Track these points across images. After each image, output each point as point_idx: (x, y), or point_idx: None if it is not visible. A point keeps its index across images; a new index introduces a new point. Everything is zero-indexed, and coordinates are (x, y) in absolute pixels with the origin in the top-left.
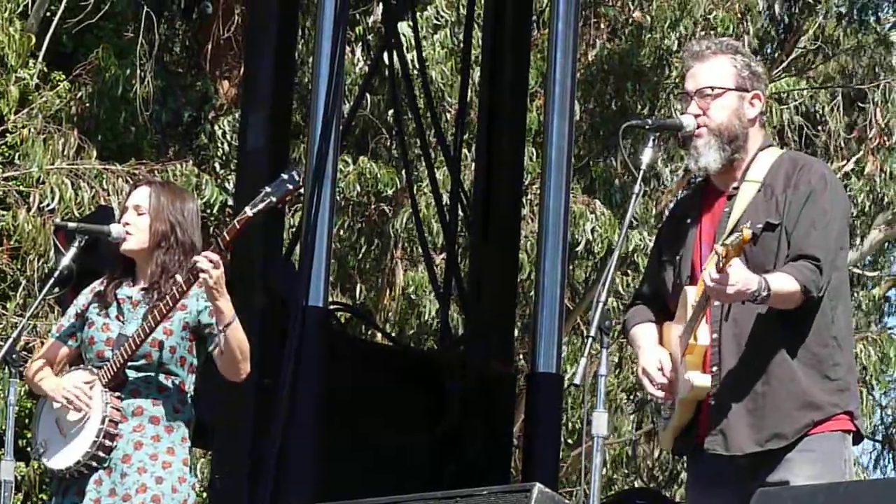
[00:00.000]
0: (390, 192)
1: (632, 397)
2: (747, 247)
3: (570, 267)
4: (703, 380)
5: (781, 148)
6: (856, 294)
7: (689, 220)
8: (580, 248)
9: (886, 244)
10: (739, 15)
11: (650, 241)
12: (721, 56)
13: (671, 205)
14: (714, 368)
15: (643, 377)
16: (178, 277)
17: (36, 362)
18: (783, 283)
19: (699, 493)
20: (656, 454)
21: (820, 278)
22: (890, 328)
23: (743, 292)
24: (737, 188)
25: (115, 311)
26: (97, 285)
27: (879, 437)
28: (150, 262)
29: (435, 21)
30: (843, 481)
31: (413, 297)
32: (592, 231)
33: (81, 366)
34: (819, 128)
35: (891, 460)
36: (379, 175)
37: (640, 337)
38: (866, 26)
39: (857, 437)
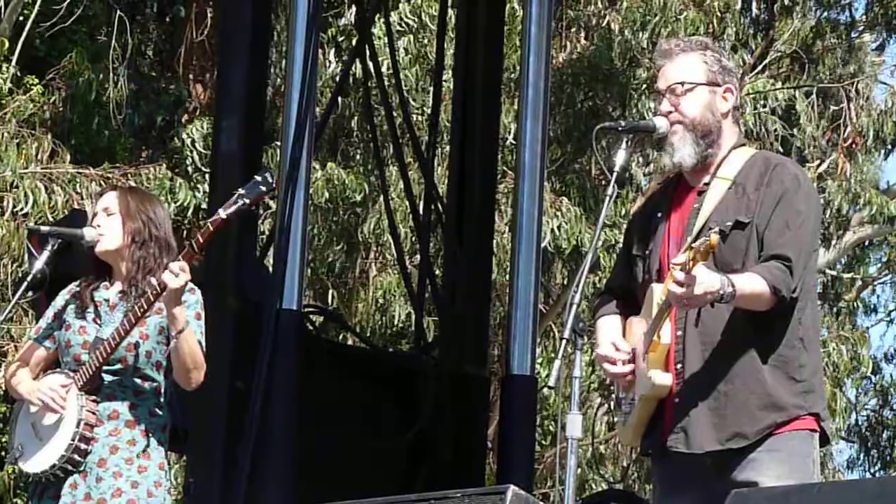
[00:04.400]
0: (358, 197)
1: (604, 394)
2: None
3: (547, 269)
4: (664, 378)
5: (755, 148)
6: (830, 296)
7: (659, 215)
8: (546, 245)
9: (860, 246)
10: (719, 14)
11: (617, 238)
12: (690, 53)
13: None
14: (678, 366)
15: (602, 363)
16: (153, 279)
17: (13, 365)
18: (750, 283)
19: (665, 494)
20: (632, 454)
21: (791, 279)
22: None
23: (705, 294)
24: (707, 184)
25: (92, 314)
26: (74, 286)
27: (855, 439)
28: (126, 261)
29: (398, 27)
30: (816, 482)
31: (382, 300)
32: (559, 228)
33: (58, 370)
34: (794, 129)
35: (866, 461)
36: (347, 181)
37: (600, 329)
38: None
39: (824, 440)
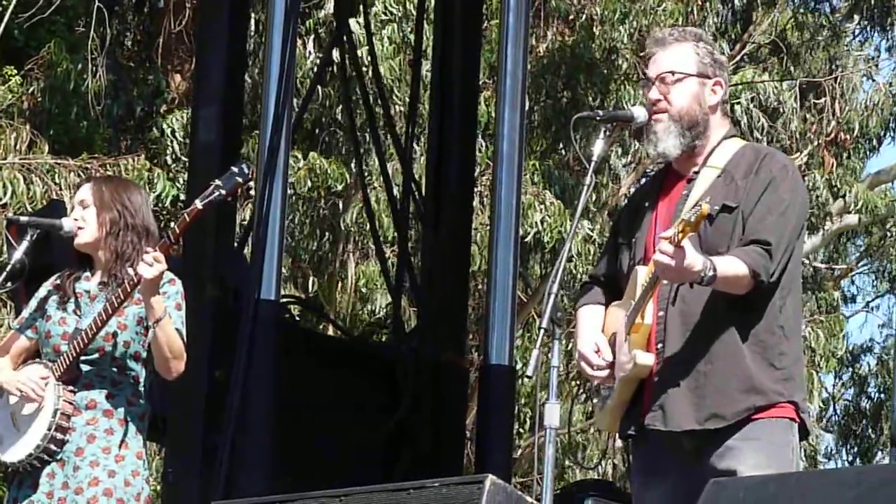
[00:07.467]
0: (340, 186)
1: (582, 384)
2: (701, 228)
3: (527, 259)
4: (646, 358)
5: (744, 139)
6: (809, 285)
7: (647, 204)
8: (529, 238)
9: (841, 236)
10: (699, 3)
11: (593, 230)
12: (684, 43)
13: (626, 196)
14: (659, 346)
15: (581, 361)
16: (130, 270)
17: None
18: (731, 265)
19: (643, 479)
20: (612, 442)
21: (770, 263)
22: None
23: (689, 270)
24: (697, 173)
25: (72, 305)
26: (56, 278)
27: (833, 428)
28: (104, 251)
29: (383, 16)
30: (794, 472)
31: (363, 290)
32: (542, 222)
33: (37, 360)
34: (775, 121)
35: (844, 450)
36: (329, 171)
37: (581, 320)
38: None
39: (803, 431)
